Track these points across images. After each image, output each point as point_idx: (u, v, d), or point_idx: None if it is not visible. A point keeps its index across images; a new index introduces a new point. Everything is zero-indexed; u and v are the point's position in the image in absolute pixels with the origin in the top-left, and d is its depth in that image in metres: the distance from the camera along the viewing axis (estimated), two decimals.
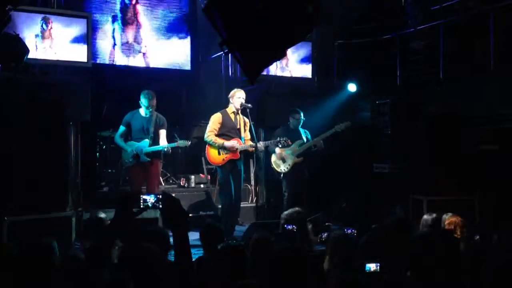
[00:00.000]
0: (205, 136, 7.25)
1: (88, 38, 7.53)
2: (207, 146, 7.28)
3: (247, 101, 7.36)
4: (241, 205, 7.93)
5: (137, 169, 7.21)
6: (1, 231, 5.50)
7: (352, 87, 9.25)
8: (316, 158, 8.05)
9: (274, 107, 8.84)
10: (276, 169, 7.87)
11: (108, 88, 8.76)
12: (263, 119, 8.76)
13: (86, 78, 7.62)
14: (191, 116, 10.00)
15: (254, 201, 8.35)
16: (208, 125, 7.28)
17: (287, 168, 7.78)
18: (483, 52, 8.07)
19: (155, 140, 7.21)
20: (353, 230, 4.49)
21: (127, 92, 8.14)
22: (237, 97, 7.20)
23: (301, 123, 7.90)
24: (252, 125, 7.24)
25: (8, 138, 5.91)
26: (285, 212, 5.27)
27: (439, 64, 8.43)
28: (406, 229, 4.66)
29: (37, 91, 6.88)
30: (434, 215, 5.03)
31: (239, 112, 7.25)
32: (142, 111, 7.21)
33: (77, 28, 7.47)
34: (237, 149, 7.12)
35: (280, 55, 2.75)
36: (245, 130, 7.32)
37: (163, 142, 7.25)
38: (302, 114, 7.87)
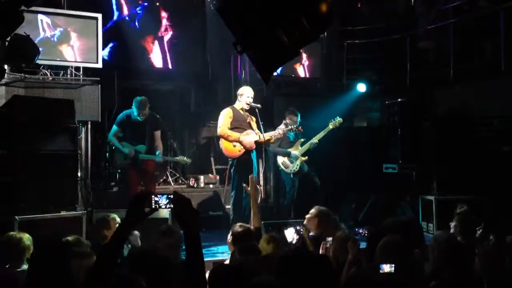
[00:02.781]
0: (219, 131, 7.15)
1: (98, 38, 7.55)
2: (220, 140, 7.21)
3: (256, 101, 7.38)
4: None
5: (134, 170, 7.43)
6: (12, 231, 5.51)
7: (361, 87, 9.23)
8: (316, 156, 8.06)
9: (283, 107, 8.84)
10: (285, 170, 7.96)
11: (118, 88, 8.78)
12: (272, 119, 8.78)
13: (96, 78, 7.65)
14: (199, 117, 10.02)
15: (263, 201, 8.34)
16: (220, 120, 7.18)
17: (295, 168, 7.89)
18: (493, 52, 8.04)
19: (150, 143, 7.37)
20: (364, 230, 4.48)
21: (137, 92, 8.16)
22: (246, 95, 7.17)
23: (295, 124, 7.90)
24: (261, 125, 7.26)
25: (18, 138, 5.94)
26: None
27: (449, 64, 8.40)
28: (418, 230, 4.66)
29: (47, 92, 6.94)
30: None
31: (246, 110, 7.27)
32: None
33: (87, 29, 7.50)
34: (254, 142, 7.06)
35: (293, 54, 2.73)
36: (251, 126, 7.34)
37: (158, 142, 7.38)
38: (293, 117, 7.94)
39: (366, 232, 4.66)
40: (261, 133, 7.20)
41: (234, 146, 7.06)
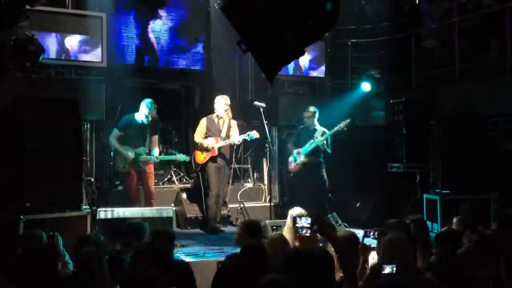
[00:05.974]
0: (194, 138, 7.69)
1: (103, 38, 7.56)
2: (195, 149, 7.74)
3: (260, 100, 7.58)
4: (255, 205, 8.02)
5: (133, 173, 7.36)
6: (17, 230, 5.52)
7: (366, 87, 9.19)
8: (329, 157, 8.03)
9: (287, 106, 8.84)
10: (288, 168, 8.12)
11: (122, 87, 8.79)
12: (276, 119, 8.78)
13: (101, 77, 7.66)
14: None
15: (267, 200, 8.35)
16: (197, 129, 7.71)
17: (294, 167, 7.97)
18: (499, 50, 8.00)
19: (149, 145, 7.40)
20: (374, 232, 4.43)
21: (141, 91, 8.17)
22: (217, 102, 7.60)
23: (311, 121, 7.93)
24: (265, 124, 7.42)
25: (23, 137, 5.94)
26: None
27: (454, 63, 8.36)
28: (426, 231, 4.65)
29: (52, 91, 6.95)
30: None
31: (223, 116, 7.60)
32: (140, 117, 7.22)
33: (92, 28, 7.50)
34: (212, 147, 7.47)
35: (298, 53, 2.73)
36: (228, 132, 7.62)
37: (154, 146, 7.43)
38: (307, 113, 7.97)
39: (377, 233, 4.58)
40: (265, 132, 7.56)
41: (202, 154, 7.59)
